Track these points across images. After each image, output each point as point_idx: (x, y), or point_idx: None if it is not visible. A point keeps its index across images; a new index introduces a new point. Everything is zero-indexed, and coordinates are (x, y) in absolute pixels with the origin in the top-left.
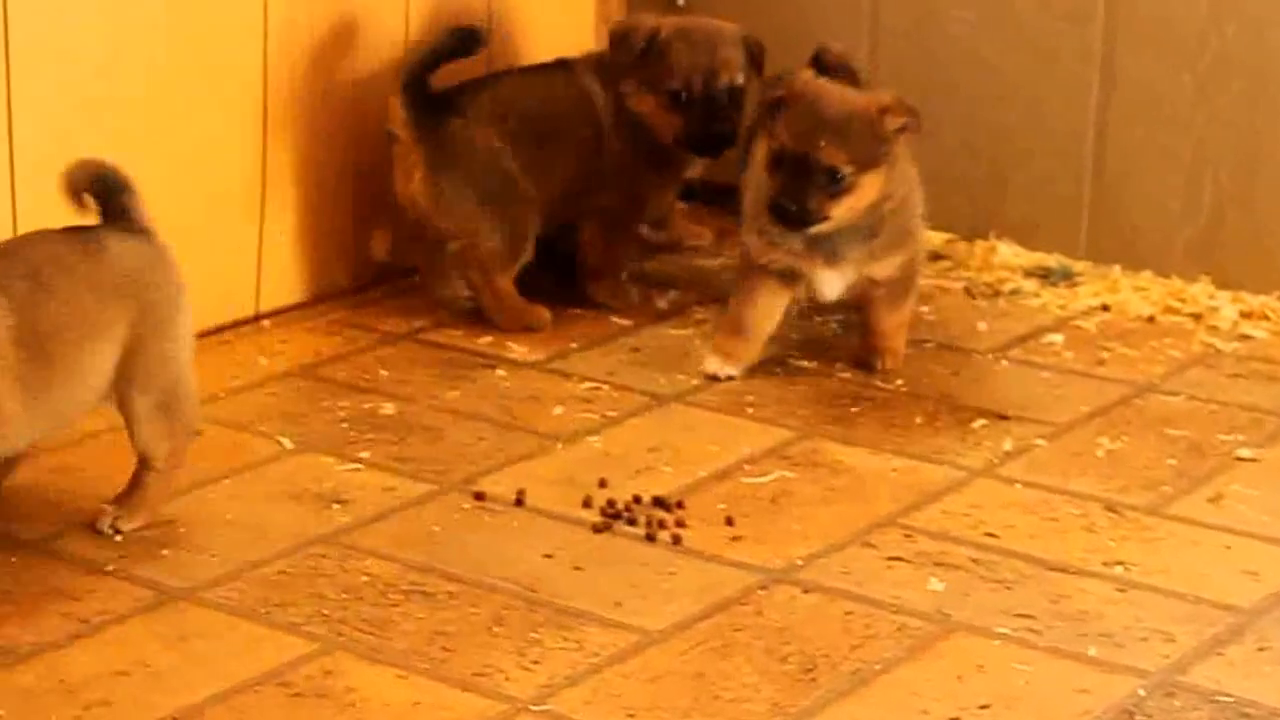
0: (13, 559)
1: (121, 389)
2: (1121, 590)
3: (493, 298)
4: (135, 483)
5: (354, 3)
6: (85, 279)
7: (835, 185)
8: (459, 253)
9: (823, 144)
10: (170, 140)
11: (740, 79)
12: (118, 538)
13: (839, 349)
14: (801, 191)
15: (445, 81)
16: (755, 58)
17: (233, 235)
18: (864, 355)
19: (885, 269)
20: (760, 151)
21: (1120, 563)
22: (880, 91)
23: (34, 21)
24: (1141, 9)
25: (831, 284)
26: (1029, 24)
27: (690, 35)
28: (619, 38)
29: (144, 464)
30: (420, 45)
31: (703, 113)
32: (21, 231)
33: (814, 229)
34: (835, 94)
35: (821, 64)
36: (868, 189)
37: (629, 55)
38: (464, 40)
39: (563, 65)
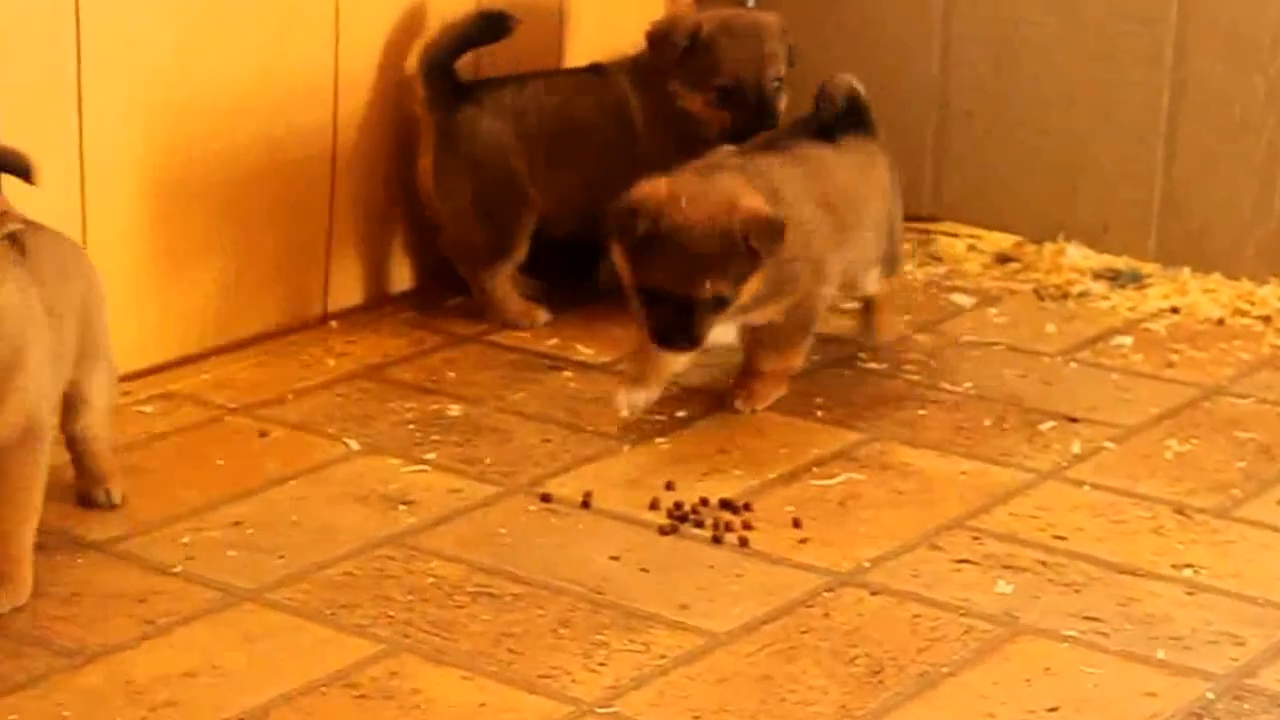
0: (79, 560)
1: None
2: (1190, 593)
3: (478, 291)
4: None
5: (424, 3)
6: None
7: (721, 306)
8: (448, 242)
9: (706, 284)
10: (237, 140)
11: (783, 72)
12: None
13: (908, 350)
14: (690, 325)
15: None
16: (791, 49)
17: (300, 236)
18: (732, 390)
19: (761, 317)
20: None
21: (1189, 565)
22: (739, 197)
23: (104, 26)
24: (1212, 12)
25: (720, 335)
26: (1100, 27)
27: (733, 29)
28: (660, 36)
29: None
30: (448, 27)
31: (752, 107)
32: (91, 234)
33: None
34: (699, 223)
35: (827, 97)
36: (752, 285)
37: (672, 53)
38: (491, 25)
39: (595, 69)
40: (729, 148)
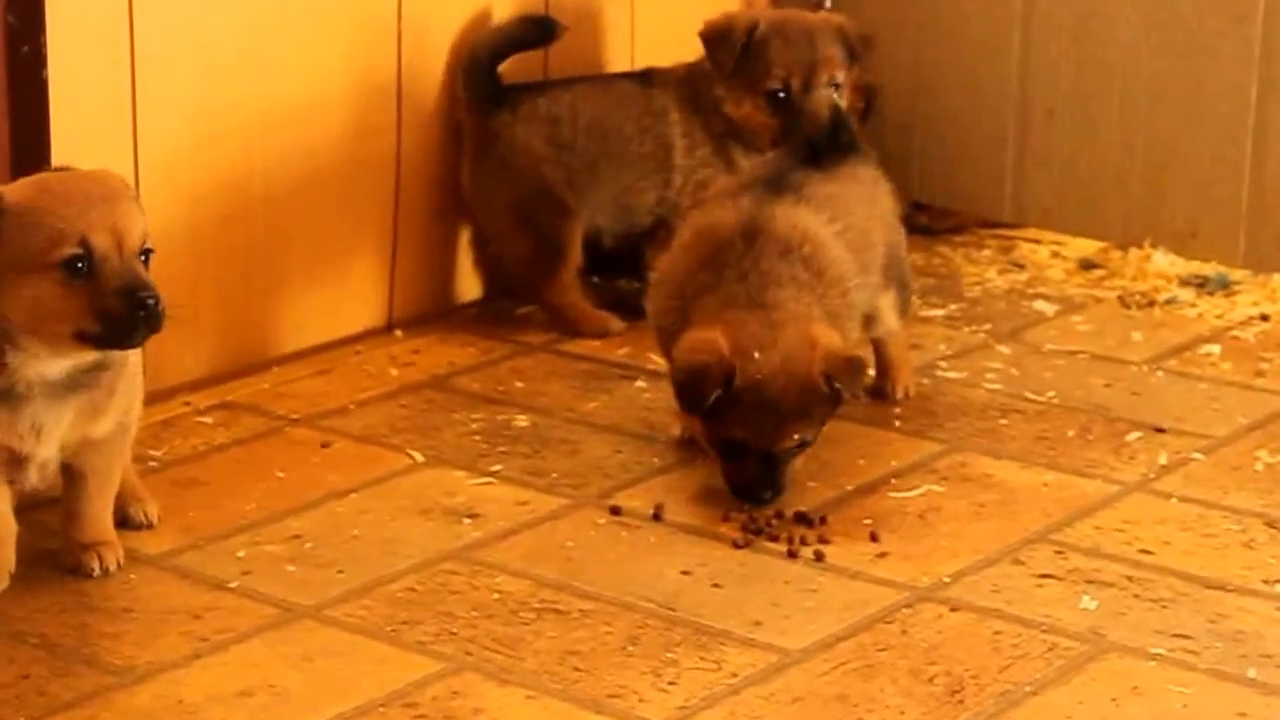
0: (132, 576)
1: None
2: None
3: (544, 306)
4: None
5: (489, 5)
6: None
7: (802, 449)
8: (497, 256)
9: (794, 436)
10: (303, 146)
11: (841, 76)
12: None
13: (989, 359)
14: (775, 479)
15: None
16: (854, 50)
17: (364, 242)
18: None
19: None
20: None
21: None
22: (816, 338)
23: (160, 28)
24: None
25: None
26: (1186, 23)
27: (787, 31)
28: (717, 37)
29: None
30: (492, 31)
31: (803, 115)
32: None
33: None
34: (779, 375)
35: (812, 117)
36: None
37: (730, 54)
38: (536, 30)
39: (643, 78)
40: (725, 184)
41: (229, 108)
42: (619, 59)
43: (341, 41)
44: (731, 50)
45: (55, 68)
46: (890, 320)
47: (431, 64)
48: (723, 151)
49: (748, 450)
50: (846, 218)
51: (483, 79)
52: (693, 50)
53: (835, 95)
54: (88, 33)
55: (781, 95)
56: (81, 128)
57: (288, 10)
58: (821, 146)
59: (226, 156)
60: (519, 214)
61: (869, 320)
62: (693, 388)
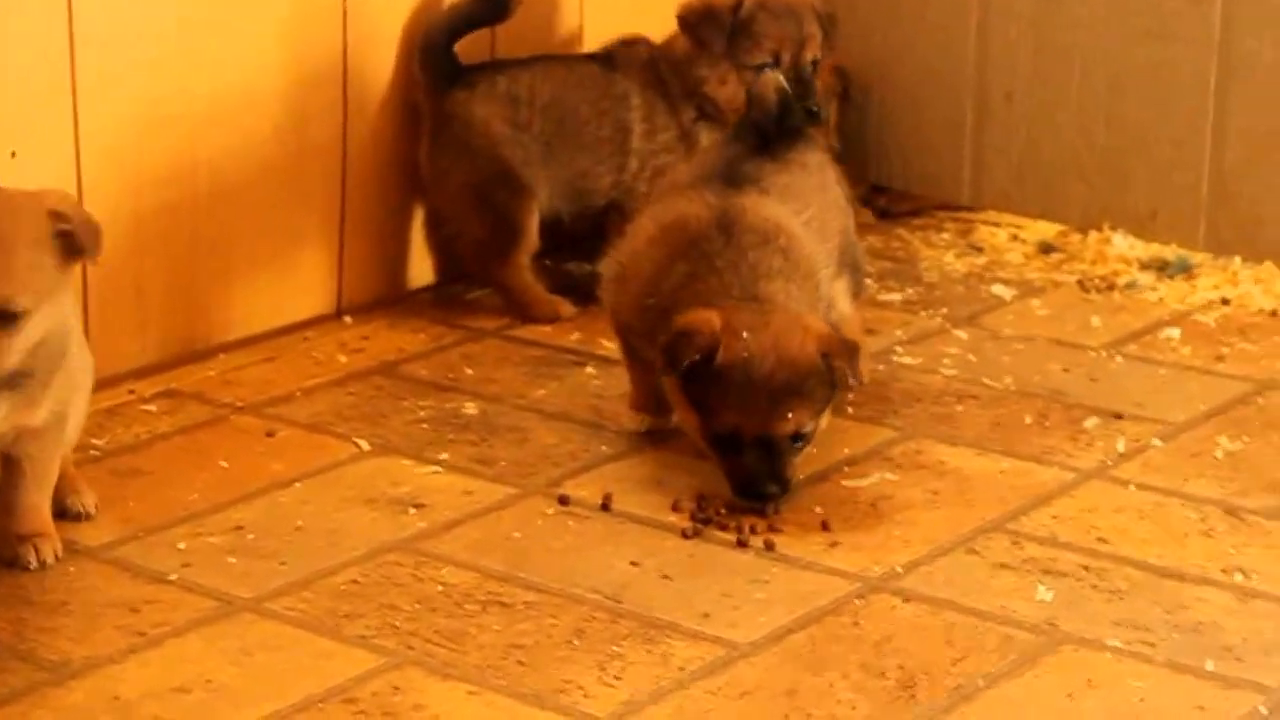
0: (71, 568)
1: None
2: (1242, 600)
3: (497, 289)
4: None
5: None
6: None
7: (803, 441)
8: (452, 237)
9: (790, 416)
10: (248, 131)
11: (819, 55)
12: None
13: (946, 345)
14: (778, 470)
15: None
16: (826, 30)
17: (311, 227)
18: None
19: None
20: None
21: (1240, 570)
22: (807, 322)
23: (102, 15)
24: None
25: None
26: (1147, 6)
27: (770, 5)
28: (701, 18)
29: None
30: (446, 10)
31: (749, 99)
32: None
33: None
34: (771, 354)
35: (759, 100)
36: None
37: (720, 33)
38: (489, 7)
39: (604, 58)
40: (678, 176)
41: (172, 93)
42: (568, 36)
43: (286, 24)
44: (721, 29)
45: None
46: (843, 305)
47: (378, 46)
48: (687, 138)
49: (744, 440)
50: (808, 209)
51: (440, 58)
52: (643, 28)
53: (812, 74)
54: (26, 19)
55: (770, 70)
56: (21, 118)
57: (233, 3)
58: (769, 131)
59: (171, 143)
60: (476, 194)
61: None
62: (676, 345)
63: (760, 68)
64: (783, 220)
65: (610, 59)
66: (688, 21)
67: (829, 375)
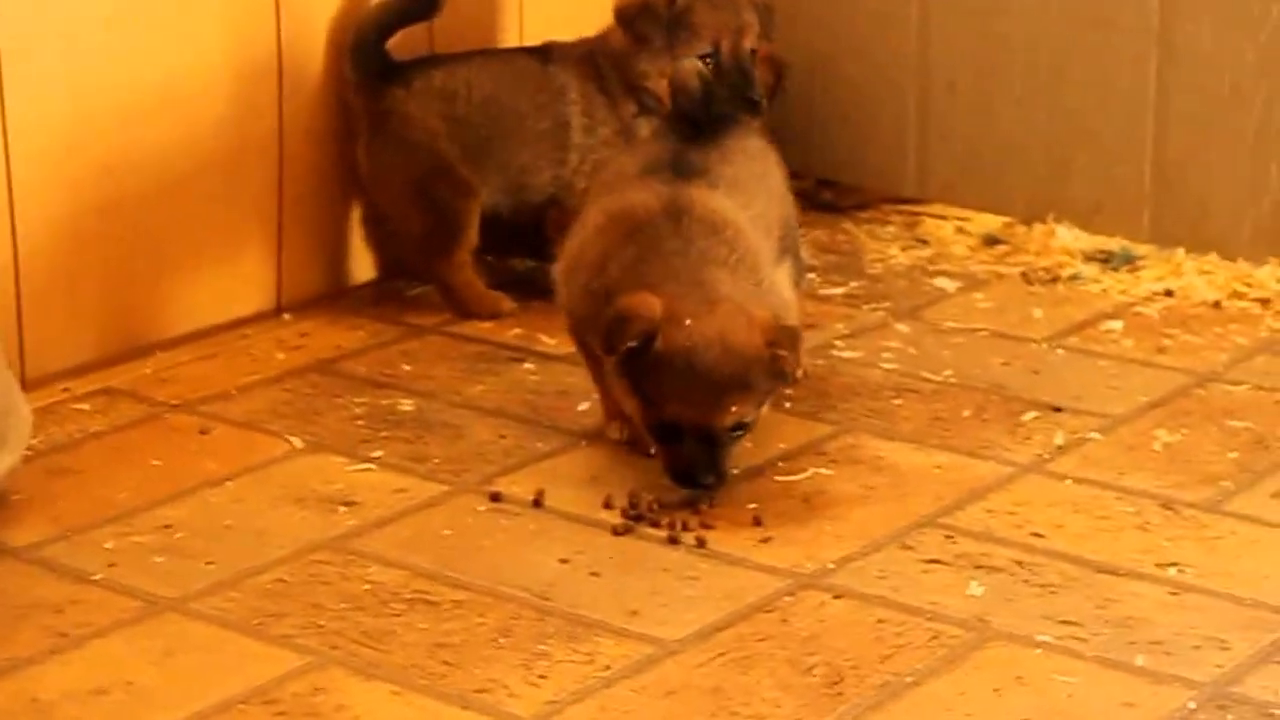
0: None
1: None
2: (1174, 594)
3: (437, 285)
4: None
5: None
6: None
7: (742, 431)
8: (392, 236)
9: (732, 408)
10: (182, 128)
11: (757, 44)
12: None
13: (886, 338)
14: (716, 461)
15: None
16: (763, 19)
17: (248, 223)
18: None
19: None
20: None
21: (1174, 564)
22: (751, 312)
23: (26, 12)
24: None
25: None
26: None
27: None
28: (638, 12)
29: None
30: (375, 8)
31: (732, 78)
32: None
33: None
34: (715, 344)
35: (682, 87)
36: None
37: (658, 27)
38: (419, 3)
39: (541, 52)
40: (621, 166)
41: (102, 90)
42: (508, 34)
43: (218, 19)
44: (659, 23)
45: None
46: (785, 291)
47: (313, 41)
48: (627, 132)
49: (684, 430)
50: (753, 202)
51: (371, 57)
52: (582, 23)
53: (750, 64)
54: None
55: (708, 61)
56: None
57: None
58: (700, 118)
59: (102, 141)
60: (416, 191)
61: None
62: (614, 327)
63: (704, 58)
64: (729, 214)
65: (547, 52)
66: (625, 16)
67: (774, 366)
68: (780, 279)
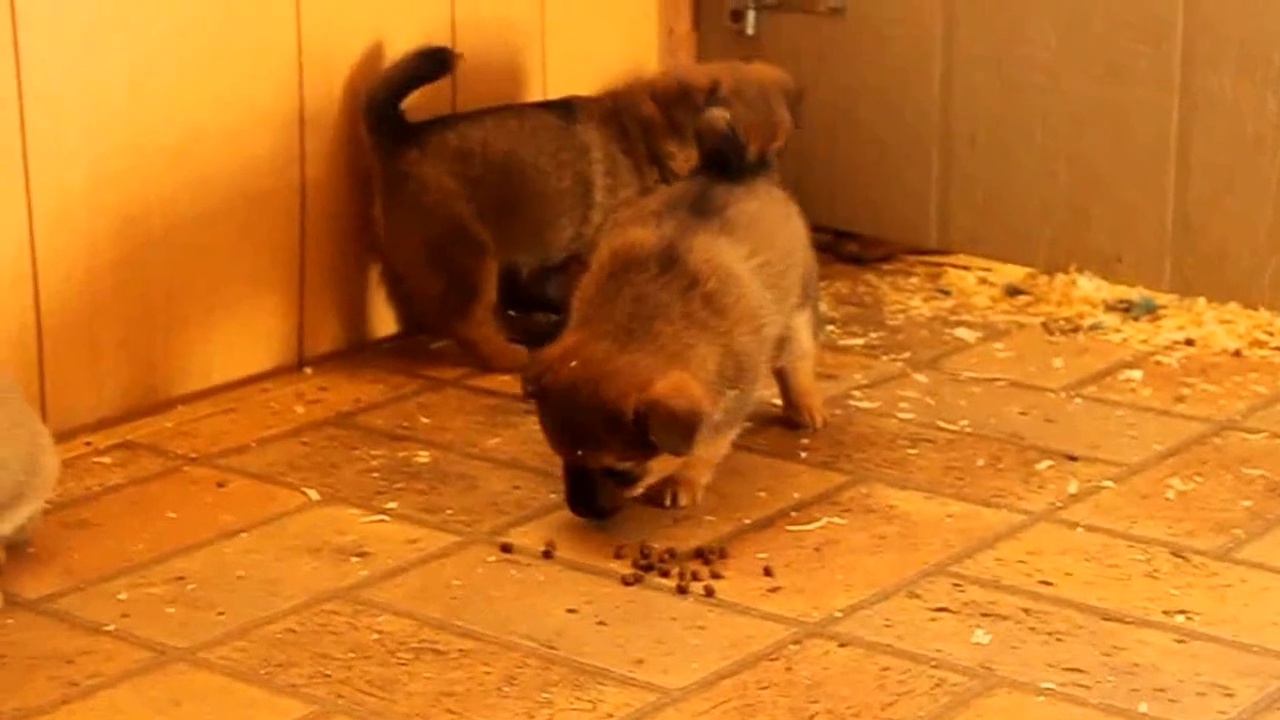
0: (9, 620)
1: None
2: (1181, 641)
3: (456, 340)
4: None
5: (391, 34)
6: None
7: (622, 479)
8: (413, 296)
9: (579, 453)
10: (202, 184)
11: (784, 140)
12: None
13: (905, 388)
14: (589, 495)
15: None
16: (794, 107)
17: (270, 280)
18: (663, 490)
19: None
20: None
21: (1182, 611)
22: (655, 376)
23: (51, 69)
24: (1220, 29)
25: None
26: (1106, 46)
27: (745, 92)
28: (676, 98)
29: None
30: (388, 69)
31: (698, 131)
32: (44, 280)
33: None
34: (577, 393)
35: (709, 132)
36: (665, 464)
37: (692, 116)
38: (431, 63)
39: (564, 107)
40: (648, 203)
41: (124, 147)
42: (531, 90)
43: (241, 75)
44: (694, 112)
45: None
46: (804, 339)
47: (335, 94)
48: (649, 194)
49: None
50: (769, 245)
51: (386, 119)
52: (606, 79)
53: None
54: None
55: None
56: None
57: (182, 45)
58: (730, 157)
59: (124, 197)
60: (432, 253)
61: (783, 342)
62: (528, 365)
63: None
64: (726, 264)
65: (569, 108)
66: (662, 100)
67: (635, 432)
68: (801, 324)
